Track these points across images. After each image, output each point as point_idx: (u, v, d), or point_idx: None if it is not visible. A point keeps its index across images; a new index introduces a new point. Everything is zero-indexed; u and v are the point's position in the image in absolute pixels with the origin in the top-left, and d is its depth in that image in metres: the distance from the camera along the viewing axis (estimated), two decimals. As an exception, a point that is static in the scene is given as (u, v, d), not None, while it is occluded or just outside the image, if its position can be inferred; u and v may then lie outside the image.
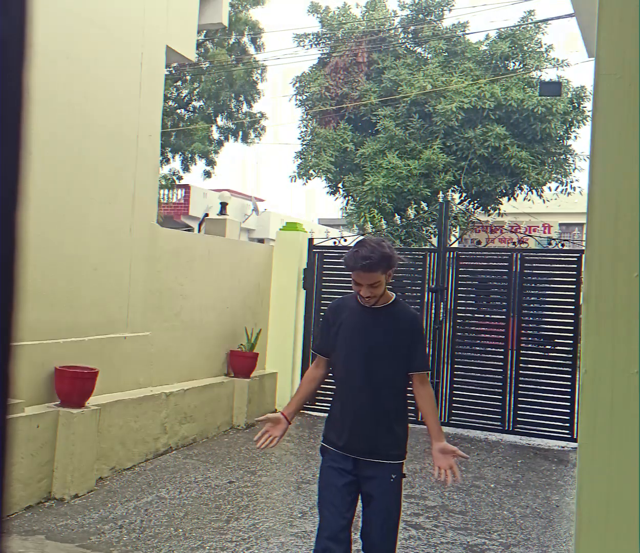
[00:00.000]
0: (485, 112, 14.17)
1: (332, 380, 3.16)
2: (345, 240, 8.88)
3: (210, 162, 17.97)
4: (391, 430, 2.94)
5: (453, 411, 8.11)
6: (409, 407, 3.14)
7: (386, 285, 2.95)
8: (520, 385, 7.84)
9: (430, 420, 2.99)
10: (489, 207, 15.93)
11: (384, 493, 2.91)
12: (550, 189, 15.51)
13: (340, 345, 3.01)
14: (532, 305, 8.17)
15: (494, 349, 8.14)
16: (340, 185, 16.34)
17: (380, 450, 2.91)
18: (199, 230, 14.30)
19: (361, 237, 3.03)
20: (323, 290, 8.78)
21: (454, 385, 8.12)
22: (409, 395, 3.05)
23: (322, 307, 8.73)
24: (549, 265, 8.08)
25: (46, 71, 5.12)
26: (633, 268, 1.64)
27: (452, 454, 2.91)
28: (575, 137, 15.20)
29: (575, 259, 7.74)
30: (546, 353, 7.98)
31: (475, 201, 15.74)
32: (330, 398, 3.19)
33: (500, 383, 7.93)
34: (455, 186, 14.85)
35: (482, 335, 8.32)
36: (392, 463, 2.92)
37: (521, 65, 15.20)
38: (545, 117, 14.10)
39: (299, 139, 16.90)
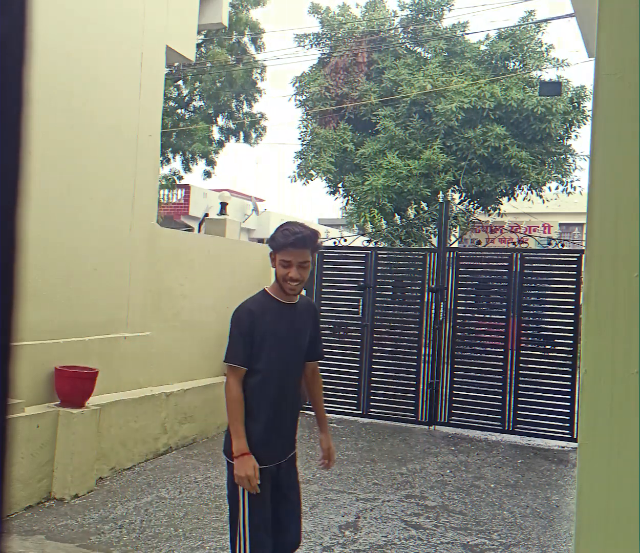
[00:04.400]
0: (485, 112, 14.17)
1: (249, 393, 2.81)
2: (345, 240, 8.88)
3: (211, 162, 17.97)
4: (298, 422, 3.02)
5: (453, 411, 8.11)
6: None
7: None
8: (520, 385, 7.84)
9: (321, 411, 3.08)
10: (489, 207, 15.93)
11: (295, 482, 2.98)
12: (550, 189, 15.52)
13: (270, 350, 2.79)
14: (532, 305, 8.17)
15: (494, 349, 8.13)
16: (340, 185, 16.34)
17: (293, 445, 2.97)
18: (199, 230, 14.29)
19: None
20: (323, 290, 8.78)
21: (454, 385, 8.12)
22: None
23: (322, 307, 8.73)
24: (549, 265, 8.08)
25: (46, 71, 5.12)
26: (633, 268, 1.64)
27: (332, 453, 3.07)
28: (576, 137, 15.21)
29: (575, 259, 7.74)
30: (546, 353, 7.98)
31: (475, 201, 15.74)
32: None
33: (500, 383, 7.93)
34: (455, 186, 14.85)
35: (482, 335, 8.32)
36: (295, 453, 3.00)
37: (521, 65, 15.20)
38: (545, 117, 14.10)
39: (299, 139, 16.91)
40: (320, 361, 3.13)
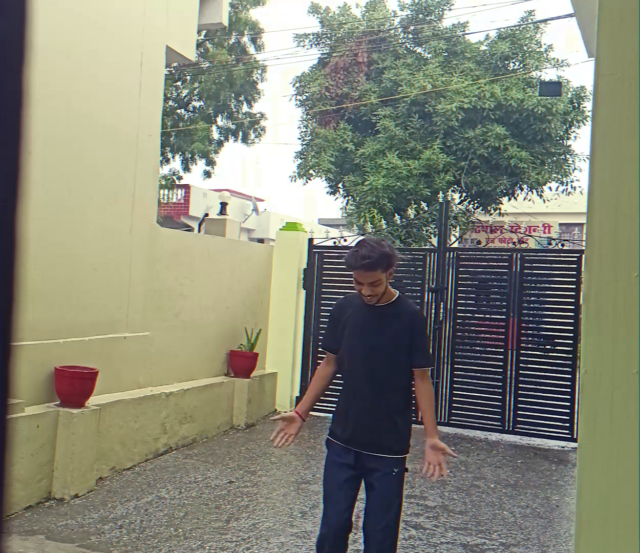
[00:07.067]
0: (485, 112, 14.17)
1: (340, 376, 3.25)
2: (345, 240, 8.88)
3: (210, 162, 17.96)
4: (394, 424, 3.01)
5: (453, 411, 8.10)
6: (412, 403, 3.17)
7: (387, 283, 3.01)
8: (520, 385, 7.83)
9: (426, 416, 3.06)
10: (489, 207, 15.93)
11: (386, 486, 2.97)
12: (550, 188, 15.51)
13: (346, 342, 3.09)
14: (532, 305, 8.17)
15: (494, 349, 8.13)
16: (340, 185, 16.34)
17: (382, 444, 2.99)
18: (199, 230, 14.29)
19: (362, 237, 3.09)
20: (323, 290, 8.78)
21: (454, 385, 8.12)
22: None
23: (322, 307, 8.73)
24: (549, 265, 8.08)
25: (46, 71, 5.12)
26: (633, 268, 1.64)
27: (442, 451, 2.99)
28: (575, 137, 15.20)
29: (575, 259, 7.74)
30: (546, 353, 7.98)
31: (476, 201, 15.74)
32: (333, 397, 3.16)
33: (500, 383, 7.93)
34: (455, 186, 14.84)
35: (482, 335, 8.32)
36: (394, 457, 3.00)
37: (521, 65, 15.19)
38: (545, 117, 14.10)
39: (299, 139, 16.91)
40: (425, 369, 3.08)
